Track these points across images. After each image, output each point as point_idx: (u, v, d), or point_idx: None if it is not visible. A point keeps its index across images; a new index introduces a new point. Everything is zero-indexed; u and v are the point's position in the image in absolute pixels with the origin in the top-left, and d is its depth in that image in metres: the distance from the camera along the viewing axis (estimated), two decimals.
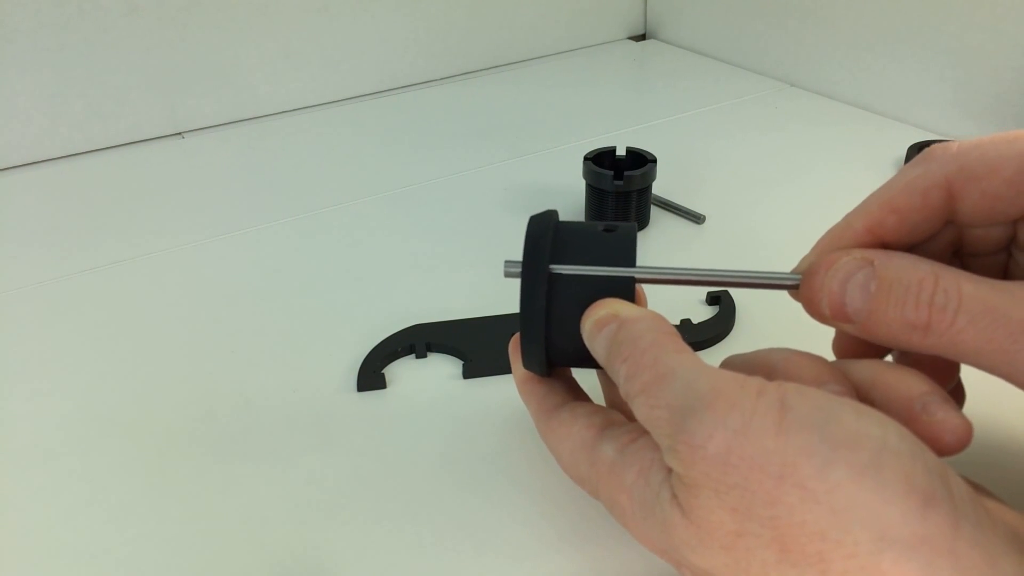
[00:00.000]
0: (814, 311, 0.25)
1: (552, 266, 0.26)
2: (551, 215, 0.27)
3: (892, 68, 0.63)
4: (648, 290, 0.29)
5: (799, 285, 0.25)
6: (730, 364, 0.26)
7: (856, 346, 0.27)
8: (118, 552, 0.29)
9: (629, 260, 0.26)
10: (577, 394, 0.29)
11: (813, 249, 0.27)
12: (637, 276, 0.26)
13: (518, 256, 0.27)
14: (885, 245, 0.25)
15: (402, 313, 0.41)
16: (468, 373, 0.37)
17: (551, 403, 0.28)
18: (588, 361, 0.26)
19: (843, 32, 0.65)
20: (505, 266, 0.27)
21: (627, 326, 0.24)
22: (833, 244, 0.26)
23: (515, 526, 0.29)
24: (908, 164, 0.25)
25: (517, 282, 0.26)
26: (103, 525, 0.30)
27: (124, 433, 0.34)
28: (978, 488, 0.22)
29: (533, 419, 0.29)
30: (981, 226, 0.25)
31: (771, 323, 0.40)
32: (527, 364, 0.28)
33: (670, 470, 0.22)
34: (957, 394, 0.28)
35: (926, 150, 0.25)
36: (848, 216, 0.26)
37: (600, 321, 0.25)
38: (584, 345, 0.26)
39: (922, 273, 0.22)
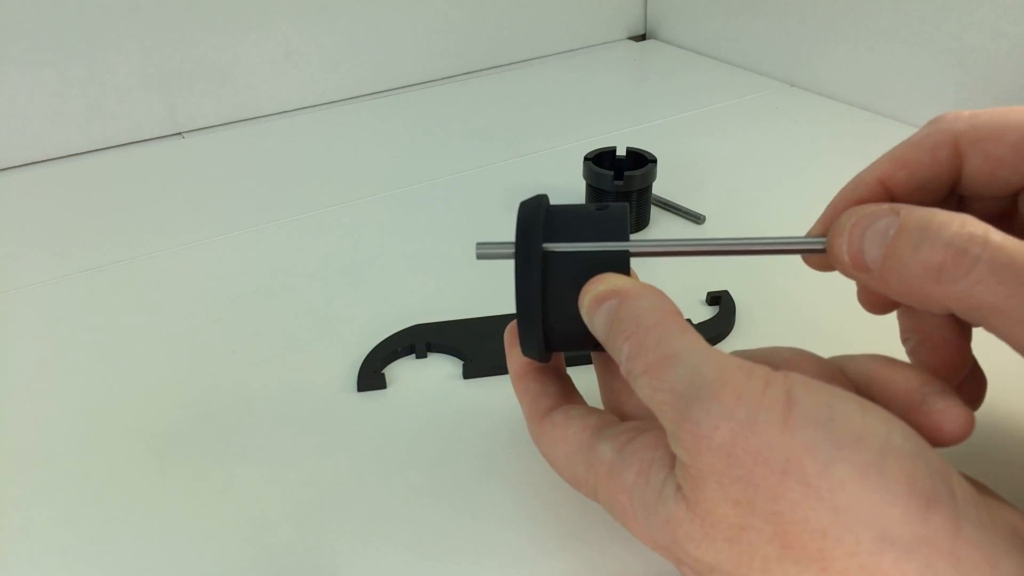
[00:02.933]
0: (835, 260, 0.24)
1: (546, 244, 0.26)
2: (541, 198, 0.27)
3: (892, 68, 0.63)
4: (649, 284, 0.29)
5: (824, 248, 0.25)
6: None
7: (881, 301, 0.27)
8: (118, 552, 0.29)
9: (622, 235, 0.26)
10: (571, 395, 0.29)
11: (828, 206, 0.27)
12: (632, 250, 0.26)
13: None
14: (893, 199, 0.25)
15: (402, 313, 0.41)
16: (468, 373, 0.37)
17: (544, 406, 0.28)
18: (587, 343, 0.26)
19: (843, 32, 0.65)
20: (477, 248, 0.27)
21: (628, 302, 0.24)
22: (845, 198, 0.26)
23: (515, 526, 0.29)
24: (921, 127, 0.26)
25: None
26: (103, 525, 0.30)
27: (124, 433, 0.34)
28: (981, 487, 0.22)
29: (526, 422, 0.28)
30: (983, 195, 0.25)
31: (771, 323, 0.40)
32: (525, 350, 0.27)
33: (674, 463, 0.22)
34: (977, 388, 0.27)
35: (938, 115, 0.25)
36: (859, 173, 0.26)
37: (599, 296, 0.24)
38: (583, 326, 0.25)
39: (946, 216, 0.21)
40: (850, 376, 0.24)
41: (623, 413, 0.27)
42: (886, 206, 0.23)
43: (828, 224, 0.26)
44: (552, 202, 0.28)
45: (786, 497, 0.19)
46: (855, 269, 0.23)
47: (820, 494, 0.19)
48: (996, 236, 0.20)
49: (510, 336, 0.29)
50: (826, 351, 0.26)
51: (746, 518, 0.20)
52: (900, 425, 0.20)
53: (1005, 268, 0.19)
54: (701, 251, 0.26)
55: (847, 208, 0.25)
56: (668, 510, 0.22)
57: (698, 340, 0.22)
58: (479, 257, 0.27)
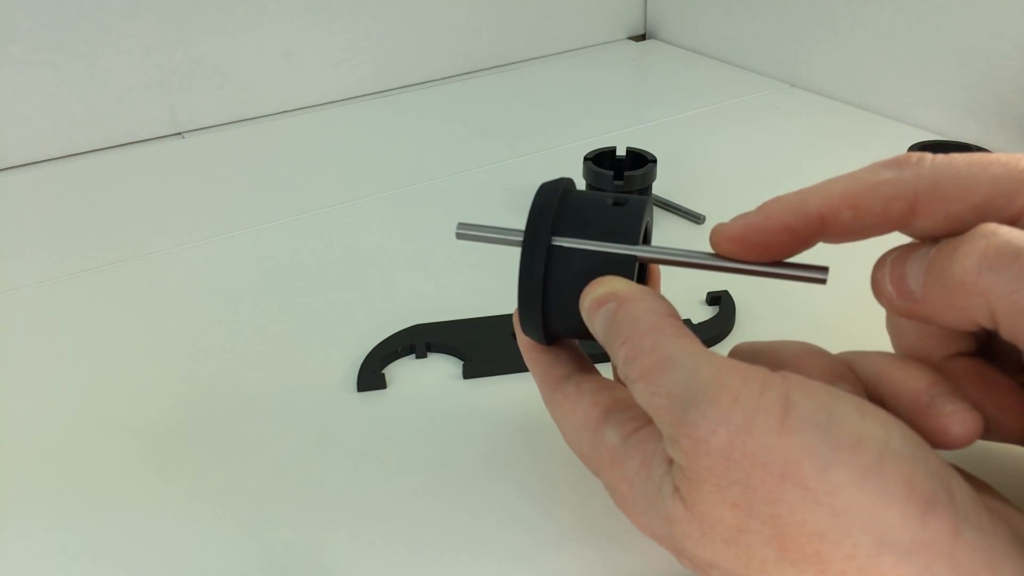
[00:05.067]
0: (878, 293, 0.23)
1: (554, 238, 0.25)
2: (562, 183, 0.27)
3: (892, 68, 0.63)
4: None
5: (826, 280, 0.24)
6: (739, 353, 0.26)
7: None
8: (118, 552, 0.29)
9: (633, 237, 0.25)
10: (584, 364, 0.28)
11: (757, 211, 0.25)
12: (639, 255, 0.25)
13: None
14: (827, 235, 0.24)
15: (402, 313, 0.41)
16: (468, 373, 0.37)
17: (557, 374, 0.27)
18: (589, 335, 0.26)
19: (843, 32, 0.65)
20: (457, 228, 0.27)
21: (626, 306, 0.23)
22: (783, 214, 0.24)
23: (515, 526, 0.29)
24: (882, 163, 0.24)
25: (517, 282, 0.26)
26: (103, 525, 0.30)
27: (124, 433, 0.34)
28: (983, 488, 0.22)
29: (538, 388, 0.28)
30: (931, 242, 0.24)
31: (771, 323, 0.40)
32: (526, 332, 0.27)
33: (671, 461, 0.22)
34: None
35: (901, 155, 0.24)
36: (805, 192, 0.24)
37: (599, 299, 0.24)
38: (583, 321, 0.25)
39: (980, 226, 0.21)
40: (859, 373, 0.24)
41: None
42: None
43: (748, 235, 0.25)
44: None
45: (784, 500, 0.19)
46: (900, 299, 0.22)
47: (818, 497, 0.19)
48: None
49: (518, 316, 0.29)
50: (829, 349, 0.26)
51: (744, 520, 0.20)
52: (899, 428, 0.20)
53: None
54: (704, 265, 0.25)
55: (781, 227, 0.24)
56: (666, 507, 0.22)
57: (694, 343, 0.22)
58: (458, 238, 0.27)
